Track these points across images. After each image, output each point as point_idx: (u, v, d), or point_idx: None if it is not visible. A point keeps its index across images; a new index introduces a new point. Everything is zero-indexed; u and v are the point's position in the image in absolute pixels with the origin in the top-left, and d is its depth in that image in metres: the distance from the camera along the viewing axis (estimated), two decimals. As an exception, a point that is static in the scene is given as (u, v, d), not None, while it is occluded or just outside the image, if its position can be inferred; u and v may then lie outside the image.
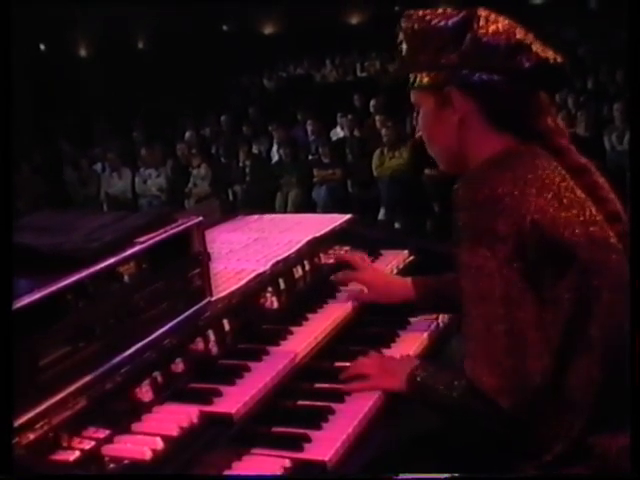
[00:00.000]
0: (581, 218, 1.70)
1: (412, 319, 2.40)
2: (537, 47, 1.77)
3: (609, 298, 1.69)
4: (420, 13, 1.86)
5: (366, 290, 2.44)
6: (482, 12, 1.79)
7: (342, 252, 2.76)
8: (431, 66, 1.83)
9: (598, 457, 1.69)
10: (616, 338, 1.70)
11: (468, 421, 1.79)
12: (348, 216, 2.98)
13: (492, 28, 1.76)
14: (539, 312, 1.64)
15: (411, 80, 1.89)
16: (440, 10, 1.85)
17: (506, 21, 1.80)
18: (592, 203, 1.76)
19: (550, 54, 1.78)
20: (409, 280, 2.39)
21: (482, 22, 1.77)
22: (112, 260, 1.85)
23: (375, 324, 2.41)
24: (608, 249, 1.73)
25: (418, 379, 1.85)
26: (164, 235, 2.01)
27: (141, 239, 1.96)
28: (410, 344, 2.25)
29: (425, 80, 1.85)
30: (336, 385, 2.01)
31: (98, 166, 11.08)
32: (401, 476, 1.66)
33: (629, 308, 1.69)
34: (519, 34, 1.78)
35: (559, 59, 1.79)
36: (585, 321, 1.68)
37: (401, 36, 1.89)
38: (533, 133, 1.80)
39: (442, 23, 1.80)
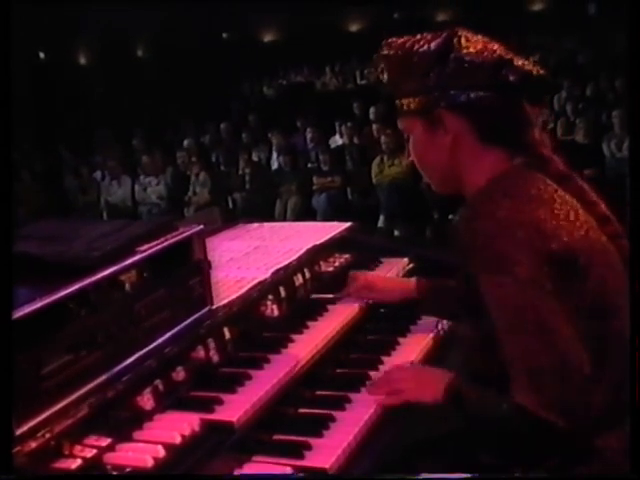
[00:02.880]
0: (577, 223, 1.72)
1: (413, 327, 2.41)
2: (519, 61, 1.80)
3: (614, 298, 1.72)
4: (400, 41, 1.88)
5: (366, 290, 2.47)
6: (461, 32, 1.81)
7: (342, 260, 2.77)
8: (418, 91, 1.84)
9: (603, 458, 1.69)
10: (626, 336, 1.71)
11: (509, 432, 1.74)
12: (348, 224, 2.99)
13: (474, 46, 1.79)
14: (572, 323, 1.64)
15: (398, 107, 1.91)
16: (418, 35, 1.87)
17: (485, 38, 1.82)
18: (582, 207, 1.79)
19: (531, 66, 1.81)
20: (413, 280, 2.42)
21: (463, 41, 1.79)
22: (114, 269, 1.86)
23: (376, 331, 2.41)
24: (605, 252, 1.76)
25: (461, 390, 1.81)
26: (165, 243, 2.02)
27: (142, 247, 1.97)
28: (411, 351, 2.25)
29: (413, 105, 1.86)
30: (339, 393, 2.01)
31: (98, 174, 11.09)
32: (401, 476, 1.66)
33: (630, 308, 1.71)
34: (499, 50, 1.81)
35: (541, 70, 1.82)
36: (604, 325, 1.70)
37: (382, 65, 1.91)
38: (521, 146, 1.83)
39: (424, 47, 1.82)
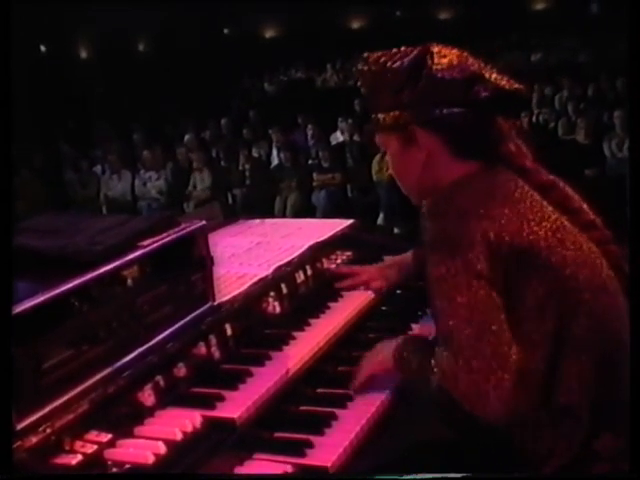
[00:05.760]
0: (543, 224, 1.73)
1: (414, 324, 2.40)
2: (492, 76, 1.79)
3: (589, 298, 1.72)
4: (375, 55, 1.89)
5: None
6: (434, 48, 1.81)
7: (344, 257, 2.76)
8: (392, 106, 1.85)
9: (600, 459, 1.70)
10: (603, 337, 1.72)
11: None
12: (350, 221, 2.98)
13: (446, 62, 1.78)
14: (512, 320, 1.66)
15: (374, 122, 1.92)
16: (395, 50, 1.87)
17: (459, 53, 1.82)
18: (563, 215, 1.80)
19: (505, 81, 1.80)
20: (409, 254, 2.52)
21: (436, 58, 1.79)
22: (115, 263, 1.85)
23: (377, 329, 2.40)
24: (581, 253, 1.76)
25: (404, 354, 1.88)
26: (167, 239, 2.01)
27: (144, 243, 1.96)
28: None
29: (387, 121, 1.87)
30: (341, 390, 2.01)
31: (98, 168, 11.08)
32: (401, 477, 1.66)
33: (616, 306, 1.75)
34: (473, 65, 1.80)
35: (515, 85, 1.81)
36: (568, 323, 1.70)
37: (359, 79, 1.93)
38: (496, 157, 1.83)
39: (397, 64, 1.83)
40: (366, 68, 1.90)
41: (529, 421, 1.71)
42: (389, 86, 1.83)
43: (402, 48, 1.87)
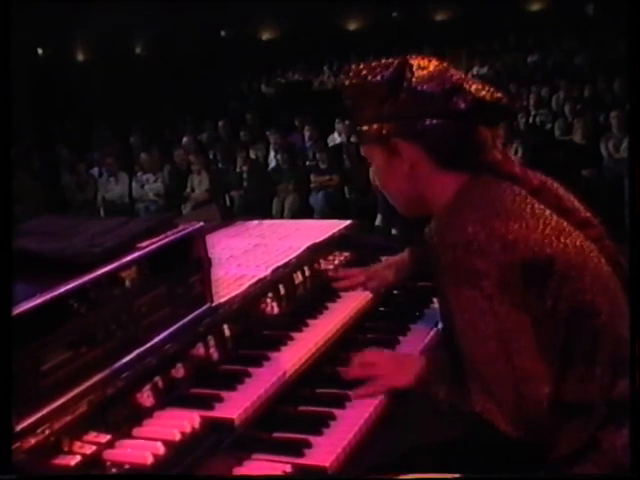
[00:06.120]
0: (547, 231, 1.73)
1: (413, 325, 2.40)
2: (472, 86, 1.80)
3: (592, 299, 1.72)
4: (356, 68, 1.90)
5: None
6: (413, 60, 1.82)
7: (342, 258, 2.77)
8: (373, 119, 1.85)
9: (604, 452, 1.71)
10: (607, 336, 1.73)
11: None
12: (348, 222, 2.98)
13: (425, 75, 1.79)
14: (537, 335, 1.67)
15: (358, 134, 1.93)
16: (375, 63, 1.87)
17: (439, 64, 1.83)
18: (558, 215, 1.79)
19: (485, 91, 1.80)
20: (405, 254, 2.54)
21: (415, 70, 1.79)
22: (114, 265, 1.85)
23: (376, 330, 2.41)
24: (582, 251, 1.76)
25: (431, 382, 1.86)
26: (165, 240, 2.02)
27: (143, 244, 1.96)
28: (411, 349, 2.25)
29: (370, 133, 1.87)
30: (339, 391, 2.00)
31: (95, 171, 11.08)
32: (402, 476, 1.66)
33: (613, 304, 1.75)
34: (452, 76, 1.80)
35: (496, 95, 1.81)
36: (579, 326, 1.71)
37: (343, 92, 1.93)
38: (482, 166, 1.83)
39: (378, 77, 1.83)
40: (347, 82, 1.91)
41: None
42: (370, 99, 1.84)
43: (382, 61, 1.87)
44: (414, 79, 1.79)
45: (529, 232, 1.70)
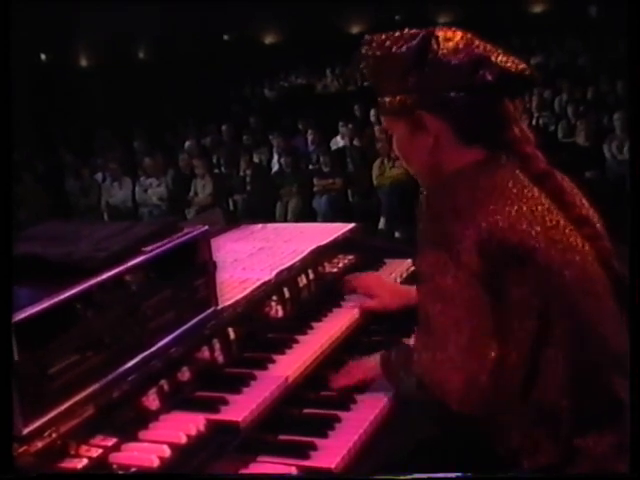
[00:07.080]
0: (540, 224, 1.72)
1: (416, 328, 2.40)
2: (498, 57, 1.78)
3: (572, 297, 1.72)
4: (379, 39, 1.86)
5: (371, 297, 2.50)
6: (439, 32, 1.79)
7: (346, 261, 2.77)
8: (397, 90, 1.83)
9: (585, 458, 1.70)
10: (585, 340, 1.72)
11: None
12: (352, 225, 2.99)
13: (451, 47, 1.76)
14: (496, 317, 1.67)
15: (380, 105, 1.90)
16: (398, 33, 1.84)
17: (464, 36, 1.80)
18: (557, 208, 1.78)
19: (511, 63, 1.79)
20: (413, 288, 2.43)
21: (441, 42, 1.77)
22: (119, 269, 1.86)
23: (380, 332, 2.42)
24: (569, 250, 1.74)
25: (392, 358, 1.97)
26: (171, 244, 2.02)
27: (148, 248, 1.97)
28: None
29: (393, 105, 1.85)
30: (344, 393, 2.02)
31: (99, 175, 11.09)
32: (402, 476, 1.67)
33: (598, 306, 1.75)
34: (478, 48, 1.78)
35: (521, 66, 1.80)
36: (550, 321, 1.70)
37: (363, 63, 1.90)
38: (501, 143, 1.82)
39: (403, 49, 1.80)
40: (370, 52, 1.86)
41: (511, 418, 1.73)
42: (394, 70, 1.81)
43: (405, 30, 1.84)
44: (440, 51, 1.76)
45: (518, 219, 1.69)
